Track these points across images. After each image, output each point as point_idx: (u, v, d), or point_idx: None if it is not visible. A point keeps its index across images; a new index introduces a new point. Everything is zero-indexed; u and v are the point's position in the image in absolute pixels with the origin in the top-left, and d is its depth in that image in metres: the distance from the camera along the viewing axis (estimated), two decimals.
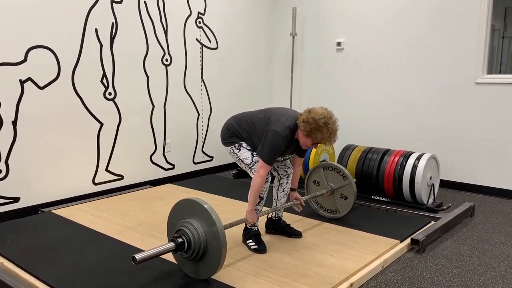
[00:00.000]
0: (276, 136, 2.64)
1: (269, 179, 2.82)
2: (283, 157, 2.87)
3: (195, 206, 2.35)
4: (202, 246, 2.31)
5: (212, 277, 2.43)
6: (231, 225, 2.60)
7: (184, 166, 4.92)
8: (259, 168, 2.67)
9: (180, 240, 2.32)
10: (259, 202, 2.82)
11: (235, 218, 2.82)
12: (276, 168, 2.99)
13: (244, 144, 2.86)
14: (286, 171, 2.99)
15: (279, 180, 3.01)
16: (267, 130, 2.69)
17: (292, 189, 3.06)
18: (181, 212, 2.44)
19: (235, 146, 2.88)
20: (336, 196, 3.41)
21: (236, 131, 2.88)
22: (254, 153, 2.81)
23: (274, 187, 3.04)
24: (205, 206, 2.31)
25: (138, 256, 2.16)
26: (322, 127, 2.58)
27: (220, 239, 2.24)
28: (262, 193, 2.80)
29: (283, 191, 3.02)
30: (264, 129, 2.73)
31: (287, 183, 3.01)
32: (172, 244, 2.32)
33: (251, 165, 2.80)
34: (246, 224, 2.92)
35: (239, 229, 2.99)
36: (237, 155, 2.88)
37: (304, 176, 4.41)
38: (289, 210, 3.50)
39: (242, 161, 2.86)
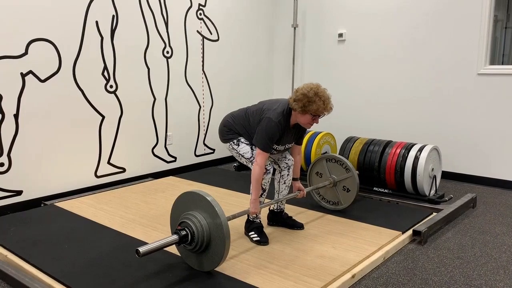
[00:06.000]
0: (270, 122, 2.66)
1: (271, 170, 2.83)
2: (283, 146, 2.86)
3: (198, 199, 2.36)
4: (205, 238, 2.31)
5: (215, 269, 2.45)
6: (234, 216, 2.60)
7: (186, 158, 4.93)
8: (256, 156, 2.69)
9: (183, 232, 2.33)
10: (261, 194, 2.83)
11: (237, 210, 2.83)
12: (276, 160, 2.99)
13: (242, 139, 2.87)
14: (286, 163, 2.99)
15: (280, 172, 3.01)
16: (261, 119, 2.72)
17: (294, 179, 3.07)
18: (184, 204, 2.45)
19: (234, 142, 2.89)
20: (339, 188, 3.41)
21: (234, 127, 2.89)
22: (253, 146, 2.82)
23: (276, 179, 3.04)
24: (208, 198, 2.31)
25: (142, 249, 2.17)
26: (313, 97, 2.61)
27: (224, 232, 2.24)
28: (264, 185, 2.81)
29: (285, 183, 3.02)
30: (258, 120, 2.75)
31: (288, 174, 3.01)
32: (175, 237, 2.33)
33: (252, 158, 2.80)
34: (248, 217, 2.93)
35: (241, 221, 3.00)
36: (236, 150, 2.89)
37: (305, 167, 4.42)
38: (291, 202, 3.51)
39: (242, 156, 2.87)
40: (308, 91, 2.63)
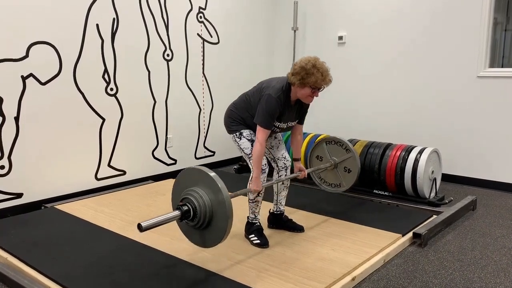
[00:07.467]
0: (269, 98, 2.66)
1: (266, 170, 2.83)
2: (285, 123, 2.84)
3: (201, 175, 2.32)
4: (208, 214, 2.27)
5: (215, 271, 2.45)
6: (236, 194, 2.55)
7: (186, 161, 4.93)
8: (257, 133, 2.69)
9: (185, 208, 2.28)
10: (258, 194, 2.83)
11: (238, 211, 2.81)
12: (276, 159, 2.99)
13: (244, 133, 2.86)
14: (285, 163, 2.99)
15: (278, 173, 3.01)
16: (261, 97, 2.72)
17: (295, 159, 3.06)
18: (186, 181, 2.40)
19: (236, 135, 2.89)
20: (340, 170, 3.40)
21: (237, 115, 2.89)
22: (253, 143, 2.82)
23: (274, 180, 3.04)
24: (211, 174, 2.27)
25: (144, 224, 2.14)
26: (311, 69, 2.61)
27: (226, 207, 2.20)
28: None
29: (283, 183, 3.02)
30: (258, 99, 2.75)
31: (286, 175, 3.01)
32: (177, 212, 2.28)
33: (250, 155, 2.81)
34: (248, 219, 2.94)
35: (241, 224, 3.00)
36: (238, 143, 2.90)
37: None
38: (291, 203, 3.51)
39: (243, 150, 2.89)
40: (306, 63, 2.63)
